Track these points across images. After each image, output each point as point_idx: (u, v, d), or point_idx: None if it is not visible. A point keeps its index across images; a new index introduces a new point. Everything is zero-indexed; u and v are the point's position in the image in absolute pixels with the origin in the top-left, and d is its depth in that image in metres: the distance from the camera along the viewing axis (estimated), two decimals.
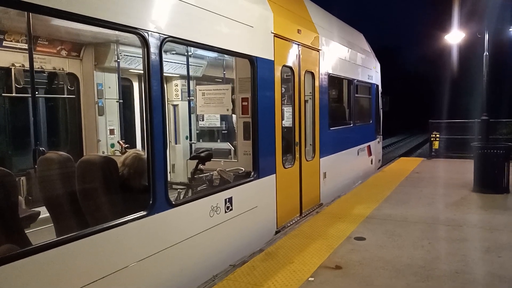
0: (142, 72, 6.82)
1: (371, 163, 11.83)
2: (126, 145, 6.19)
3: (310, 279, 4.39)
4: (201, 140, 7.86)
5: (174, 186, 5.82)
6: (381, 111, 12.92)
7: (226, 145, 7.17)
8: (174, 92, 7.97)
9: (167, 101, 7.68)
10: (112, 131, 6.71)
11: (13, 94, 5.49)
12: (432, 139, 14.60)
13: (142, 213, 3.70)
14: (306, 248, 5.30)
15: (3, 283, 2.67)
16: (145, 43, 3.73)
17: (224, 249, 4.94)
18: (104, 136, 6.58)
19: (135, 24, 3.65)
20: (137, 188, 3.96)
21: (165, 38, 3.95)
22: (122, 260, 3.53)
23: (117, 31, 4.68)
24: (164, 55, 4.00)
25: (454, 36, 16.43)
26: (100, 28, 4.53)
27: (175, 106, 8.01)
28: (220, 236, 4.87)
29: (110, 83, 6.61)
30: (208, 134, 8.08)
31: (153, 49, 3.80)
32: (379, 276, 4.45)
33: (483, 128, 11.53)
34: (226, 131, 7.85)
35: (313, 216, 6.83)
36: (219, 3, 4.91)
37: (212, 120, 7.65)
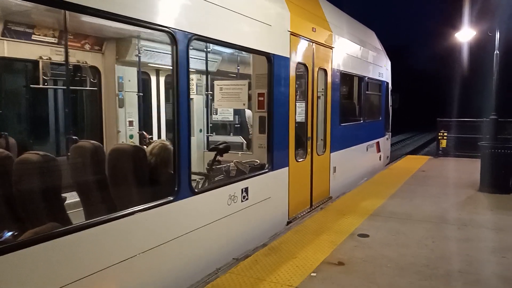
0: (160, 66, 7.10)
1: (380, 160, 12.00)
2: (150, 136, 6.44)
3: (312, 274, 4.38)
4: (214, 133, 8.07)
5: (193, 176, 6.07)
6: (390, 108, 13.06)
7: (239, 139, 7.41)
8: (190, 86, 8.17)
9: None
10: (131, 123, 6.95)
11: (40, 86, 5.75)
12: (439, 137, 14.50)
13: (169, 198, 3.97)
14: (310, 243, 5.29)
15: (48, 257, 2.94)
16: (174, 41, 3.98)
17: (240, 236, 5.19)
18: (123, 127, 6.84)
19: (166, 23, 3.90)
20: (164, 176, 4.22)
21: (192, 36, 4.20)
22: (149, 242, 3.80)
23: (143, 28, 4.91)
24: None
25: (465, 34, 16.45)
26: (123, 24, 4.77)
27: (190, 100, 8.21)
28: (237, 224, 5.13)
29: (130, 77, 6.86)
30: (221, 127, 8.29)
31: (181, 47, 4.05)
32: (382, 274, 4.43)
33: (492, 127, 11.54)
34: (238, 125, 8.06)
35: (317, 211, 6.87)
36: (241, 3, 5.13)
37: (225, 114, 7.86)
